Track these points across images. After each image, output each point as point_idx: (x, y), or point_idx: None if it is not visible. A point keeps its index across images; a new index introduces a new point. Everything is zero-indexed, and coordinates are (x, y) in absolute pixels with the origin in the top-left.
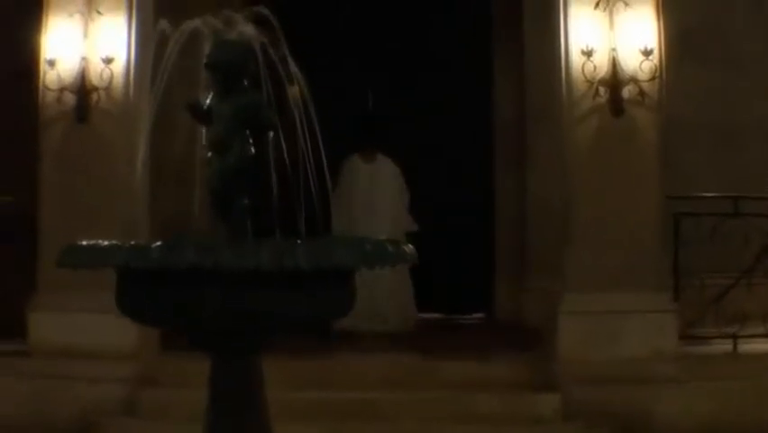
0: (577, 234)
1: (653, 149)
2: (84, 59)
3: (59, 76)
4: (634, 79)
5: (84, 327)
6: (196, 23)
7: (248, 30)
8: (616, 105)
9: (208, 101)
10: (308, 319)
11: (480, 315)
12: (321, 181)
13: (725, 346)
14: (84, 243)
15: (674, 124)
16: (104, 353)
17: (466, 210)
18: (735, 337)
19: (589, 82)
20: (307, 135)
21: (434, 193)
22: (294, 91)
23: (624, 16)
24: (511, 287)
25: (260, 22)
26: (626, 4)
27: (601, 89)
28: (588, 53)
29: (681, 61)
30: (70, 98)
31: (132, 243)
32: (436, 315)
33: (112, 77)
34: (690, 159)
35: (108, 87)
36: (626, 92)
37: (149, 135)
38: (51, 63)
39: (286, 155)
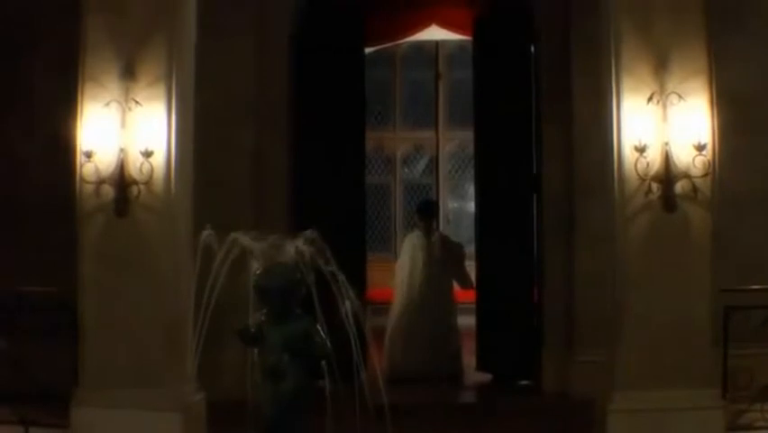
0: (626, 332)
1: (706, 245)
2: (122, 150)
3: (96, 168)
4: (687, 175)
5: (127, 422)
6: (242, 240)
7: (296, 251)
8: (668, 201)
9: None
10: None
11: (527, 382)
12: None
13: None
14: None
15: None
16: None
17: (516, 278)
18: None
19: (642, 179)
20: (360, 350)
21: (486, 257)
22: (347, 308)
23: (677, 109)
24: (558, 357)
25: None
26: (680, 97)
27: (654, 185)
28: (641, 150)
29: (733, 132)
30: (109, 191)
31: None
32: (487, 373)
33: (152, 170)
34: (739, 230)
35: (148, 182)
36: (679, 187)
37: None
38: (88, 155)
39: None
